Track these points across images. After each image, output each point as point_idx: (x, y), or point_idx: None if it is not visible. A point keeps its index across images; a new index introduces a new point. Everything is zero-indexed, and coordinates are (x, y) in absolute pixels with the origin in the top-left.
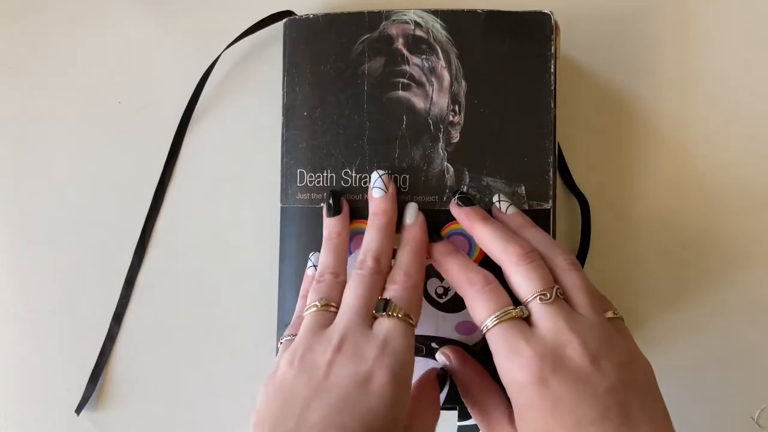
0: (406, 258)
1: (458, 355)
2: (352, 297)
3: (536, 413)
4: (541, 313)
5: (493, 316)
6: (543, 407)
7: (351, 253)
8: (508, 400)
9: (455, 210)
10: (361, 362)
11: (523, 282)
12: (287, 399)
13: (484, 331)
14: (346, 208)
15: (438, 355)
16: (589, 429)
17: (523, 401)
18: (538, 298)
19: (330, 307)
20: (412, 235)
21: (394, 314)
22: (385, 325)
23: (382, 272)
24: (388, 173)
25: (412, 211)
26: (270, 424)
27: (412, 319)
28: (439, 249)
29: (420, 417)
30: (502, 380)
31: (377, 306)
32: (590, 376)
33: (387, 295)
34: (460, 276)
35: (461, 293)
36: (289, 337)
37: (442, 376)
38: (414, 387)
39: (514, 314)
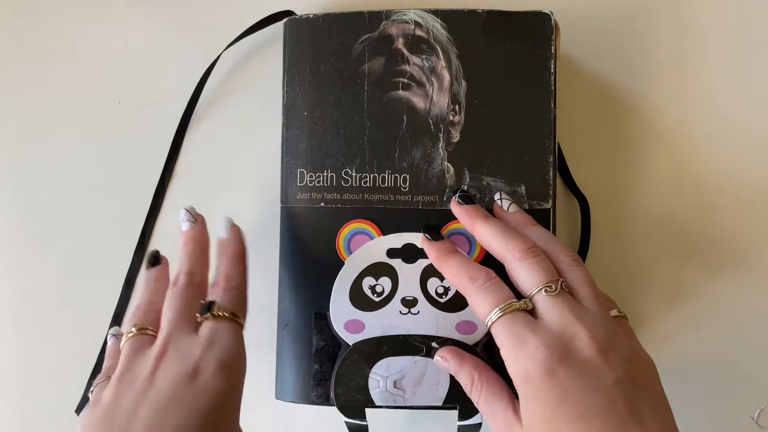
0: (224, 265)
1: (456, 355)
2: (169, 311)
3: (542, 404)
4: (546, 304)
5: (497, 309)
6: (549, 398)
7: (351, 253)
8: (513, 392)
9: (456, 208)
10: (186, 361)
11: (527, 275)
12: (110, 418)
13: (489, 324)
14: (165, 261)
15: (436, 359)
16: (594, 420)
17: (529, 392)
18: (543, 290)
19: (147, 331)
20: (229, 246)
21: (219, 313)
22: (210, 325)
23: (195, 285)
24: (192, 208)
25: (224, 224)
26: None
27: (238, 317)
28: (440, 248)
29: None
30: (509, 372)
31: (201, 310)
32: (598, 368)
33: (210, 298)
34: (461, 274)
35: (463, 291)
36: (102, 380)
37: None
38: None
39: (518, 306)
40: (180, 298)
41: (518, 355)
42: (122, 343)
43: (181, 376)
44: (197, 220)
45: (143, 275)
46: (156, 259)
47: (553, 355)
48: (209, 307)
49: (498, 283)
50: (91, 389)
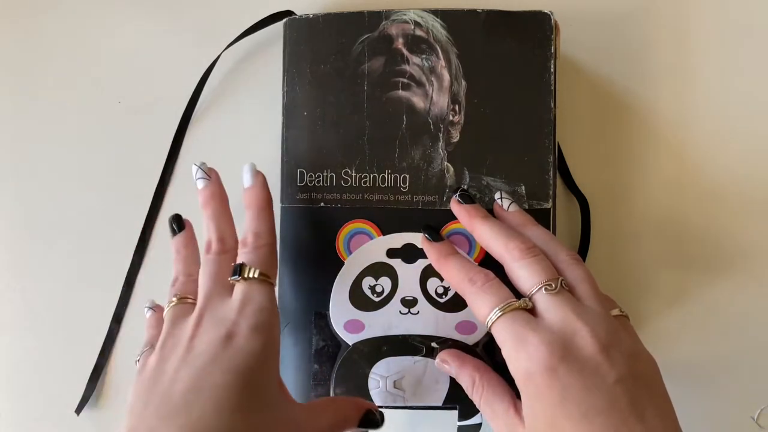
0: (251, 220)
1: (457, 357)
2: (204, 278)
3: (543, 403)
4: (546, 303)
5: (496, 308)
6: (550, 397)
7: (350, 253)
8: (515, 392)
9: (455, 207)
10: (221, 325)
11: (526, 275)
12: (155, 382)
13: (489, 325)
14: (188, 224)
15: (437, 362)
16: (596, 419)
17: (530, 391)
18: (543, 288)
19: (186, 299)
20: (254, 196)
21: (249, 275)
22: (241, 288)
23: (228, 251)
24: (203, 164)
25: (248, 174)
26: (139, 406)
27: (268, 277)
28: (439, 249)
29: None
30: (510, 371)
31: (232, 273)
32: (600, 366)
33: (239, 260)
34: (460, 276)
35: (462, 293)
36: (147, 349)
37: (369, 417)
38: (332, 400)
39: (517, 305)
40: (214, 264)
41: (519, 354)
42: (165, 312)
43: (217, 340)
44: (211, 176)
45: (172, 243)
46: (179, 224)
47: (554, 353)
48: (240, 270)
49: (497, 284)
50: (137, 358)
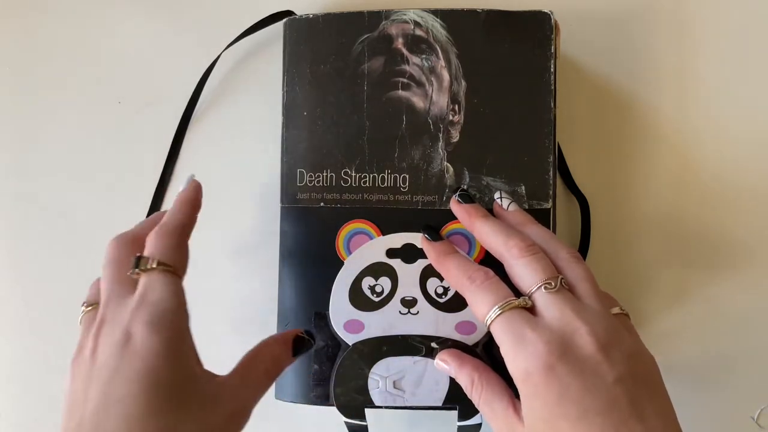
0: (166, 214)
1: (456, 357)
2: (103, 280)
3: (542, 402)
4: (546, 302)
5: (496, 307)
6: (549, 396)
7: (350, 253)
8: (514, 391)
9: (455, 207)
10: (117, 328)
11: (526, 273)
12: (70, 405)
13: (488, 323)
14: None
15: (436, 362)
16: (594, 419)
17: (529, 390)
18: (542, 287)
19: (97, 305)
20: (179, 195)
21: (148, 266)
22: (141, 282)
23: (127, 243)
24: (192, 176)
25: (186, 180)
26: None
27: (170, 266)
28: (439, 249)
29: (245, 381)
30: (509, 370)
31: (131, 266)
32: (599, 365)
33: (141, 252)
34: (459, 274)
35: (462, 291)
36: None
37: (300, 344)
38: (253, 352)
39: (516, 303)
40: (111, 263)
41: (517, 352)
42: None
43: (116, 346)
44: (187, 189)
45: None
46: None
47: (553, 352)
48: (137, 262)
49: (497, 282)
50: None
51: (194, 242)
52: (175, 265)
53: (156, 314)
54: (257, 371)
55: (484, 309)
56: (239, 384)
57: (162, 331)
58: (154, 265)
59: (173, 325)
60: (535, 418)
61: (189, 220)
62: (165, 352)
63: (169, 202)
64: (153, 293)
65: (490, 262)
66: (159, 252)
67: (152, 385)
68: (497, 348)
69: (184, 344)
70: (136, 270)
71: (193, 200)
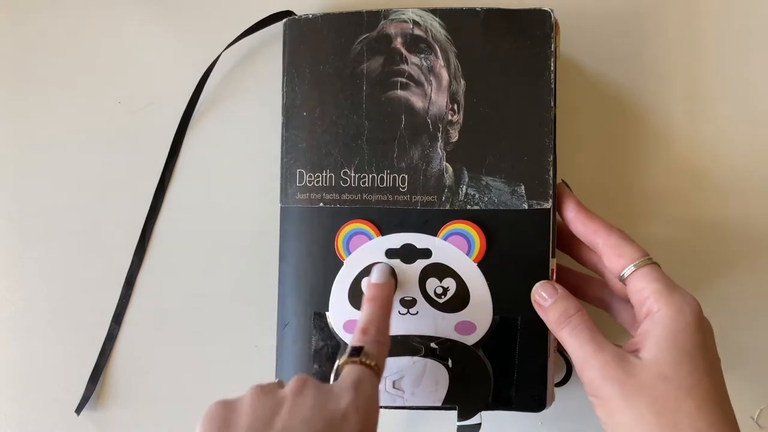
0: (375, 315)
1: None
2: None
3: (684, 336)
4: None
5: (632, 264)
6: (693, 340)
7: (350, 253)
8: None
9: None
10: (331, 400)
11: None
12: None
13: (632, 271)
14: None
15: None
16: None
17: (678, 325)
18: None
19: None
20: (382, 293)
21: (368, 362)
22: (353, 370)
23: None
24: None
25: (380, 273)
26: None
27: (381, 371)
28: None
29: None
30: (654, 308)
31: (349, 351)
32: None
33: (359, 343)
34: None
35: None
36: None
37: None
38: None
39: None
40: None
41: (672, 291)
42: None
43: (327, 415)
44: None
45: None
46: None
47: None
48: (359, 351)
49: (626, 238)
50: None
51: (194, 242)
52: (382, 371)
53: (369, 411)
54: None
55: (621, 263)
56: None
57: (371, 429)
58: (373, 364)
59: (376, 427)
60: (667, 353)
61: (389, 335)
62: None
63: (170, 202)
64: (368, 388)
65: (490, 261)
66: (377, 355)
67: None
68: (497, 348)
69: None
70: (357, 358)
71: (391, 305)
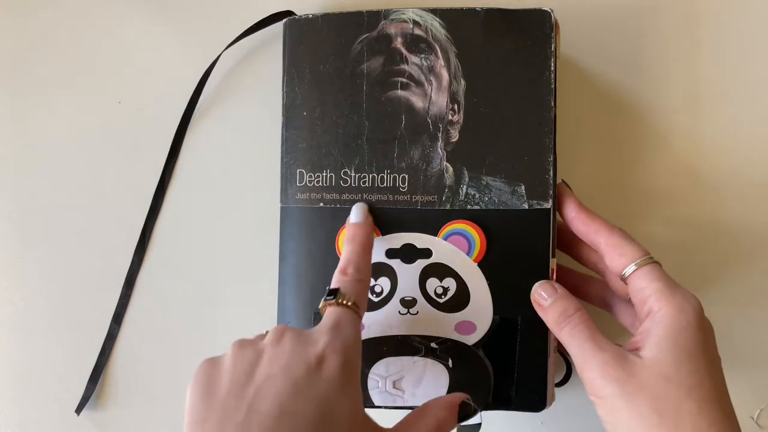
0: (354, 254)
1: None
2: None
3: (686, 335)
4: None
5: (633, 264)
6: (695, 339)
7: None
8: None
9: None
10: (309, 345)
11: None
12: (232, 380)
13: (634, 270)
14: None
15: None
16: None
17: (680, 324)
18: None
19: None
20: (361, 233)
21: (344, 302)
22: (332, 312)
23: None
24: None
25: (358, 211)
26: (215, 419)
27: (360, 309)
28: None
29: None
30: (657, 306)
31: (326, 294)
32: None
33: (336, 285)
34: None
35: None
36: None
37: (465, 411)
38: (419, 412)
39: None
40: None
41: (674, 291)
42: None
43: (304, 362)
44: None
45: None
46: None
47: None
48: (335, 293)
49: (628, 238)
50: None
51: (194, 242)
52: (362, 311)
53: (351, 352)
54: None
55: (623, 261)
56: None
57: (352, 369)
58: (349, 304)
59: (357, 368)
60: (667, 351)
61: (370, 271)
62: (350, 390)
63: (170, 202)
64: (345, 328)
65: (489, 261)
66: (354, 293)
67: (328, 413)
68: (497, 348)
69: (359, 384)
70: (332, 300)
71: (372, 244)
